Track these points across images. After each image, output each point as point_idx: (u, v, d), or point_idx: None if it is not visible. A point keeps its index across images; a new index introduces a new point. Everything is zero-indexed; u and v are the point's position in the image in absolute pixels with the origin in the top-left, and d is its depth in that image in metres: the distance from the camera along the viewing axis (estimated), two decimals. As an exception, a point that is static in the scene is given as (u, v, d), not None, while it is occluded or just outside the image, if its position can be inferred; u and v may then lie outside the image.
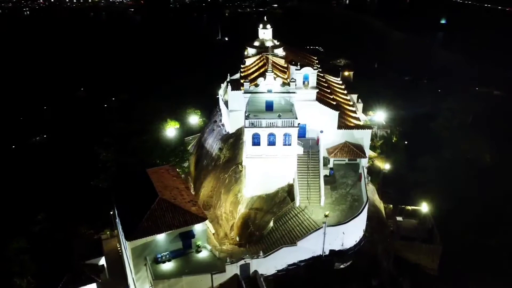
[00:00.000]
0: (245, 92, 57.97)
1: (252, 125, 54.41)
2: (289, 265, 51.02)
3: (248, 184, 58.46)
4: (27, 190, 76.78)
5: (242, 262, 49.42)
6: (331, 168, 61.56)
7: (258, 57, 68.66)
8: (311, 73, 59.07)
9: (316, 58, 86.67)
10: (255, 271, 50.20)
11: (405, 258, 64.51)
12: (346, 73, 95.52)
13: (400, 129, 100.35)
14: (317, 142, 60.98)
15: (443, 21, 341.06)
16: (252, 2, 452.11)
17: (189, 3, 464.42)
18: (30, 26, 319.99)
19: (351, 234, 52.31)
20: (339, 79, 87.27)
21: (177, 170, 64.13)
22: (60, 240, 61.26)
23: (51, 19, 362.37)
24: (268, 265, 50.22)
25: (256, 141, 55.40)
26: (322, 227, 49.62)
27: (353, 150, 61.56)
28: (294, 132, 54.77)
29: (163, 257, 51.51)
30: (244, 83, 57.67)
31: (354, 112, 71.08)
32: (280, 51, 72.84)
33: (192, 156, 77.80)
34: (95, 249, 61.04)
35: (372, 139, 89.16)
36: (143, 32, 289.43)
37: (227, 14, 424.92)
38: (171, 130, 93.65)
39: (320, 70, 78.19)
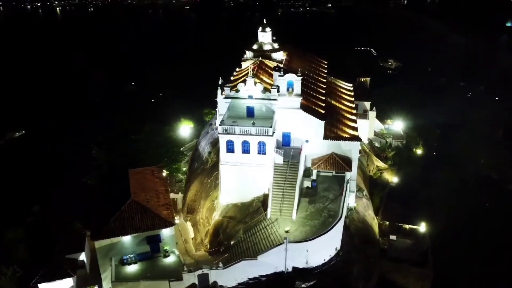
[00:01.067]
0: (225, 97, 56.89)
1: (226, 132, 53.24)
2: (250, 279, 49.38)
3: (223, 191, 57.44)
4: (25, 183, 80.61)
5: (199, 271, 48.56)
6: (313, 180, 58.95)
7: (253, 61, 67.12)
8: (295, 80, 56.75)
9: (326, 63, 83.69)
10: (215, 282, 49.17)
11: (392, 281, 60.45)
12: (362, 79, 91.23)
13: (421, 140, 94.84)
14: (300, 152, 58.57)
15: (509, 24, 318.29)
16: (305, 2, 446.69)
17: (243, 1, 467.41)
18: (94, 22, 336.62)
19: (317, 252, 49.64)
20: (350, 85, 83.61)
21: (164, 171, 64.29)
22: (47, 233, 63.64)
23: (113, 15, 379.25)
24: (228, 277, 48.95)
25: (230, 148, 54.19)
26: (283, 243, 47.50)
27: (338, 163, 58.45)
28: (269, 141, 52.90)
29: (129, 259, 51.90)
30: (225, 88, 56.55)
31: (354, 121, 67.60)
32: (279, 55, 70.77)
33: (189, 158, 77.97)
34: (78, 244, 62.60)
35: (383, 150, 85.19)
36: (197, 30, 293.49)
37: (279, 13, 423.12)
38: (185, 128, 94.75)
39: (326, 75, 75.49)
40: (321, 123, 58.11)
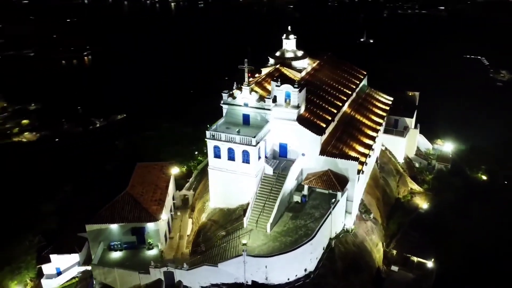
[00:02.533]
0: (223, 103, 57.94)
1: (213, 137, 54.34)
2: (212, 284, 50.21)
3: (211, 195, 58.73)
4: (61, 164, 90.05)
5: (165, 269, 50.71)
6: (303, 195, 57.31)
7: (271, 68, 66.96)
8: (292, 91, 55.50)
9: (364, 74, 79.93)
10: (179, 281, 50.94)
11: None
12: (410, 93, 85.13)
13: (471, 166, 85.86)
14: (291, 164, 57.33)
15: None
16: (415, 3, 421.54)
17: (348, 1, 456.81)
18: (203, 16, 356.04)
19: (279, 270, 48.55)
20: (391, 98, 79.15)
21: (176, 168, 67.27)
22: (70, 211, 71.10)
23: (220, 10, 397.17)
24: (192, 279, 50.36)
25: (217, 154, 55.17)
26: (241, 254, 47.45)
27: (331, 181, 55.97)
28: (252, 150, 52.77)
29: (116, 246, 56.02)
30: (223, 94, 57.60)
31: (372, 138, 64.33)
32: (302, 63, 69.39)
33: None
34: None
35: (421, 171, 79.07)
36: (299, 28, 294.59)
37: (385, 14, 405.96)
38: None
39: (354, 87, 72.42)
40: (317, 138, 56.16)
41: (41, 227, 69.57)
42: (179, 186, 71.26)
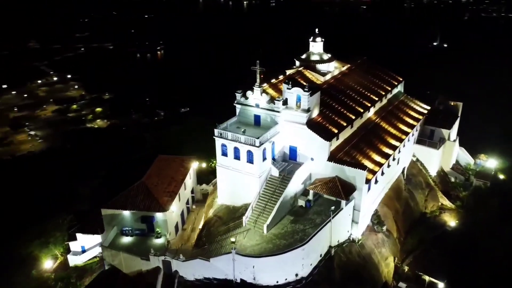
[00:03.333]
0: (236, 103, 59.12)
1: (220, 136, 55.77)
2: (205, 278, 51.83)
3: (219, 192, 60.23)
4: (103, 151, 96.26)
5: (163, 258, 53.17)
6: (308, 200, 56.85)
7: (293, 70, 66.91)
8: (302, 94, 55.21)
9: (399, 80, 77.02)
10: (176, 271, 53.18)
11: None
12: (452, 103, 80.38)
13: None
14: (297, 168, 57.11)
15: None
16: (501, 6, 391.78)
17: (426, 3, 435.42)
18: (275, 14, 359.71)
19: (267, 271, 48.84)
20: (427, 107, 75.78)
21: (196, 162, 69.63)
22: (101, 194, 76.25)
23: (290, 9, 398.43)
24: (187, 270, 52.34)
25: (224, 152, 56.51)
26: (230, 252, 48.47)
27: (337, 188, 54.95)
28: (256, 151, 53.42)
29: (127, 231, 59.53)
30: (236, 94, 58.78)
31: (393, 148, 62.32)
32: (326, 66, 68.43)
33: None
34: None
35: (455, 187, 75.02)
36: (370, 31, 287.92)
37: (466, 17, 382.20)
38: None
39: (384, 94, 70.23)
40: (325, 143, 55.40)
41: (75, 208, 75.35)
42: (204, 181, 73.20)
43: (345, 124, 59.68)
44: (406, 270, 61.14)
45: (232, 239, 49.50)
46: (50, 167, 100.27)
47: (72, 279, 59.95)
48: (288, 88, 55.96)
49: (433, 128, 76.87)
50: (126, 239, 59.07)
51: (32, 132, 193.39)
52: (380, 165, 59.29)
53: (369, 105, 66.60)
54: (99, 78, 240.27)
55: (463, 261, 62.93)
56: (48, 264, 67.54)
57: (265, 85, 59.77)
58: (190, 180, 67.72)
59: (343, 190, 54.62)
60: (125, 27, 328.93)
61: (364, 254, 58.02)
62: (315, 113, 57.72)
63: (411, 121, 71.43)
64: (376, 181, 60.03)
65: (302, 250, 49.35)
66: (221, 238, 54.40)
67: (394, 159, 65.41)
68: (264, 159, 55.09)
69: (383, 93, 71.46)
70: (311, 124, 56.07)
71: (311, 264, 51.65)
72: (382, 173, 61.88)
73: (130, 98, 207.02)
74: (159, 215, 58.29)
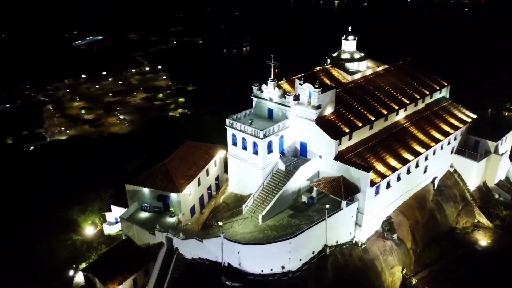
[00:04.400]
0: (252, 95, 60.89)
1: (231, 126, 58.02)
2: (199, 258, 54.73)
3: (229, 180, 62.54)
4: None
5: (165, 234, 57.10)
6: (311, 197, 56.79)
7: (320, 68, 66.74)
8: (312, 91, 55.21)
9: (443, 84, 72.81)
10: (176, 248, 56.83)
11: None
12: (506, 113, 73.84)
13: None
14: (303, 164, 57.29)
15: None
16: None
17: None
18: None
19: (251, 259, 50.30)
20: (473, 116, 71.17)
21: (219, 151, 72.73)
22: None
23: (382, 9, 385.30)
24: (185, 248, 55.69)
25: (234, 141, 58.66)
26: (219, 236, 50.68)
27: (339, 188, 54.27)
28: (260, 143, 54.77)
29: (146, 207, 64.65)
30: (253, 86, 60.52)
31: (416, 154, 60.09)
32: (355, 65, 67.04)
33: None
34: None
35: (496, 205, 69.75)
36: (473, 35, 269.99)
37: None
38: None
39: (420, 98, 67.33)
40: (333, 142, 54.93)
41: (118, 183, 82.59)
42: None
43: (360, 124, 58.38)
44: (414, 282, 58.23)
45: (220, 223, 51.51)
46: (118, 148, 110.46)
47: (96, 244, 66.26)
48: (300, 84, 56.37)
49: (478, 138, 71.35)
50: (144, 214, 63.90)
51: (122, 116, 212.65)
52: (394, 170, 57.12)
53: (397, 107, 64.06)
54: (186, 70, 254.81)
55: (489, 283, 58.32)
56: (89, 230, 75.11)
57: (282, 80, 60.58)
58: (215, 168, 70.76)
59: (345, 190, 53.80)
60: (216, 23, 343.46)
61: (367, 259, 56.49)
62: (328, 110, 57.33)
63: (447, 129, 67.23)
64: (388, 186, 57.91)
65: (289, 243, 49.93)
66: (224, 223, 56.45)
67: (417, 166, 62.36)
68: (270, 151, 56.17)
69: (418, 97, 68.10)
70: (321, 121, 55.86)
71: (300, 259, 51.90)
72: (398, 179, 59.43)
73: (211, 90, 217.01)
74: (173, 196, 62.15)
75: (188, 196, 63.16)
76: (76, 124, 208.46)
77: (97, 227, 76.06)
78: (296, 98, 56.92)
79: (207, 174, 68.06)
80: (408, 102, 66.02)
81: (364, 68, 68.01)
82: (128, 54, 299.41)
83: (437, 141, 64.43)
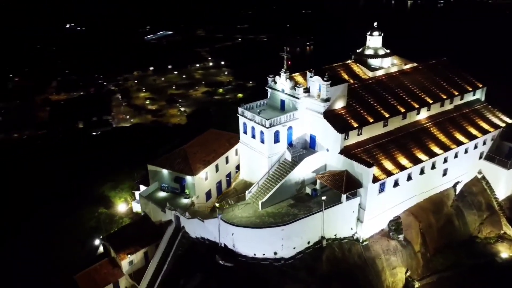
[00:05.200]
0: (267, 86, 62.40)
1: (242, 114, 60.02)
2: (201, 237, 57.53)
3: (240, 167, 64.55)
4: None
5: (174, 212, 60.55)
6: (314, 189, 57.18)
7: (340, 63, 66.57)
8: (321, 83, 55.56)
9: (478, 86, 69.56)
10: (183, 226, 60.13)
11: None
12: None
13: None
14: (307, 156, 57.82)
15: None
16: None
17: None
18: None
19: (244, 242, 52.09)
20: (509, 120, 67.66)
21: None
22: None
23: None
24: (190, 227, 58.81)
25: (244, 130, 60.57)
26: (216, 217, 53.00)
27: (340, 181, 54.24)
28: (266, 132, 56.20)
29: (164, 187, 68.70)
30: (268, 78, 62.02)
31: (432, 155, 58.87)
32: (379, 62, 65.87)
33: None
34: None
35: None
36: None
37: None
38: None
39: (441, 97, 65.19)
40: (338, 135, 55.00)
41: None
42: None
43: (371, 120, 57.72)
44: (417, 286, 56.56)
45: (217, 205, 53.74)
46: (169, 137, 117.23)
47: (118, 218, 71.55)
48: (310, 77, 56.97)
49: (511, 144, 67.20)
50: (162, 194, 67.78)
51: (182, 108, 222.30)
52: (402, 168, 55.90)
53: (417, 106, 62.24)
54: (247, 67, 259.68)
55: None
56: (122, 207, 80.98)
57: (297, 73, 61.43)
58: (235, 156, 72.97)
59: (346, 184, 53.71)
60: (281, 21, 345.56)
61: (367, 257, 55.91)
62: (339, 104, 57.35)
63: (474, 132, 64.12)
64: (396, 185, 56.77)
65: (281, 230, 51.10)
66: (228, 206, 58.83)
67: (433, 168, 60.32)
68: (277, 141, 57.37)
69: (445, 97, 65.53)
70: (329, 115, 56.07)
71: (294, 248, 52.75)
72: (409, 179, 57.99)
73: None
74: (189, 178, 65.36)
75: (203, 180, 66.01)
76: (140, 113, 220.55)
77: (128, 204, 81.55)
78: (307, 90, 57.54)
79: (227, 162, 70.40)
80: (431, 101, 63.81)
81: (388, 65, 66.72)
82: (194, 49, 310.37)
83: (459, 143, 61.78)
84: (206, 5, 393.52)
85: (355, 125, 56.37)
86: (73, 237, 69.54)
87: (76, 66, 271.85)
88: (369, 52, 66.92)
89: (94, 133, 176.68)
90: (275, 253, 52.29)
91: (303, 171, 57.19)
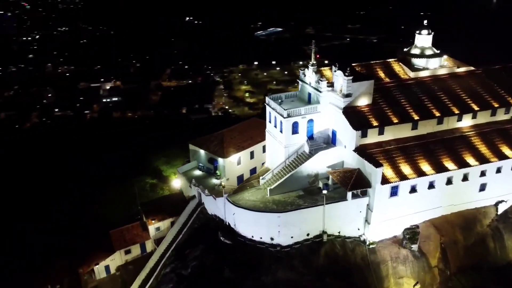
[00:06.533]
0: (298, 79, 63.14)
1: (268, 104, 61.77)
2: (214, 214, 61.10)
3: (266, 154, 66.15)
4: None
5: (197, 188, 64.98)
6: (326, 184, 56.57)
7: (380, 61, 64.14)
8: (342, 78, 54.72)
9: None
10: (203, 203, 64.39)
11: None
12: None
13: None
14: (321, 150, 57.38)
15: None
16: None
17: None
18: None
19: (243, 223, 54.19)
20: None
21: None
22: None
23: None
24: (208, 204, 62.92)
25: (270, 119, 62.17)
26: (222, 196, 55.94)
27: (348, 179, 53.10)
28: (284, 122, 57.20)
29: (200, 166, 73.76)
30: (300, 70, 62.69)
31: (460, 162, 55.09)
32: (423, 62, 61.83)
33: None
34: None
35: None
36: None
37: None
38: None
39: (492, 104, 59.95)
40: (353, 132, 53.87)
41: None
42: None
43: (396, 121, 55.19)
44: (423, 301, 53.01)
45: (223, 183, 56.50)
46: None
47: (159, 189, 78.54)
48: (334, 71, 56.48)
49: None
50: (198, 172, 72.58)
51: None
52: (421, 174, 52.70)
53: (457, 112, 57.62)
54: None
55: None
56: (176, 182, 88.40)
57: (326, 67, 61.10)
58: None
59: (353, 182, 52.51)
60: (396, 23, 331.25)
61: (371, 260, 54.01)
62: (362, 101, 55.92)
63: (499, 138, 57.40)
64: (413, 191, 53.72)
65: (278, 217, 52.21)
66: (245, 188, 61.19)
67: (466, 180, 55.59)
68: (295, 132, 58.02)
69: (497, 105, 59.46)
70: (350, 111, 55.07)
71: (292, 237, 53.35)
72: (431, 187, 54.35)
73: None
74: (220, 160, 69.24)
75: (234, 164, 69.18)
76: (238, 105, 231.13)
77: (173, 179, 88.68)
78: (331, 85, 57.13)
79: (263, 151, 72.55)
80: (477, 108, 58.46)
81: (436, 66, 62.36)
82: (300, 46, 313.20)
83: (503, 157, 55.80)
84: (320, 4, 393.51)
85: (375, 123, 54.48)
86: (122, 200, 78.08)
87: (189, 56, 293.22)
88: (415, 51, 63.34)
89: (193, 118, 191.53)
90: (272, 239, 53.45)
91: (318, 165, 56.99)
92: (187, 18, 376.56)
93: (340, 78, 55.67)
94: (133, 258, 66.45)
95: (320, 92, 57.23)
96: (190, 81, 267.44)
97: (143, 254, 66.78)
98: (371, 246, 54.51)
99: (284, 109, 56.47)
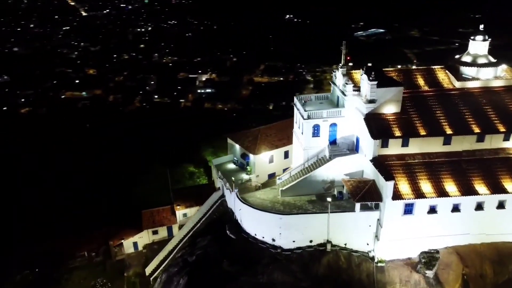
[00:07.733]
0: (331, 82, 60.69)
1: (295, 105, 60.43)
2: (229, 208, 61.78)
3: (292, 155, 64.70)
4: None
5: (221, 181, 66.13)
6: (340, 192, 53.79)
7: (424, 67, 58.72)
8: (367, 83, 51.25)
9: None
10: (224, 195, 65.49)
11: None
12: None
13: None
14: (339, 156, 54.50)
15: None
16: None
17: None
18: None
19: (248, 221, 54.10)
20: None
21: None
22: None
23: None
24: (227, 196, 63.76)
25: (296, 120, 60.70)
26: (234, 191, 56.28)
27: (359, 189, 49.88)
28: (304, 123, 55.51)
29: (234, 161, 74.78)
30: (333, 73, 60.24)
31: (500, 191, 49.31)
32: (473, 71, 54.99)
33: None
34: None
35: None
36: None
37: None
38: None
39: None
40: (371, 141, 50.41)
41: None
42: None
43: (423, 133, 50.35)
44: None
45: (233, 178, 56.79)
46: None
47: (195, 178, 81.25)
48: (361, 75, 53.33)
49: None
50: (231, 166, 73.56)
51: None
52: (443, 195, 47.58)
53: (503, 130, 50.71)
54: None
55: None
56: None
57: (358, 70, 57.76)
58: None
59: (364, 194, 49.26)
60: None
61: (377, 280, 50.26)
62: (389, 109, 51.98)
63: None
64: (432, 212, 48.75)
65: (279, 218, 51.15)
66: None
67: (502, 207, 48.99)
68: (316, 135, 56.03)
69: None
70: (372, 118, 51.61)
71: (294, 241, 51.92)
72: (455, 210, 48.82)
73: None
74: (251, 156, 69.37)
75: (265, 161, 68.81)
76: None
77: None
78: (358, 89, 54.04)
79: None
80: (517, 124, 50.88)
81: (489, 76, 55.30)
82: (400, 49, 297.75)
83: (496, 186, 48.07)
84: (430, 6, 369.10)
85: (398, 134, 50.29)
86: (163, 183, 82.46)
87: (284, 54, 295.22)
88: (466, 59, 56.85)
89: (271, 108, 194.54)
90: (273, 240, 52.49)
91: (335, 171, 54.36)
92: (287, 16, 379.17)
93: (365, 83, 52.33)
94: (159, 239, 70.02)
95: (345, 95, 54.37)
96: (281, 78, 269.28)
97: (169, 237, 69.79)
98: (379, 264, 50.68)
99: (305, 111, 54.76)
